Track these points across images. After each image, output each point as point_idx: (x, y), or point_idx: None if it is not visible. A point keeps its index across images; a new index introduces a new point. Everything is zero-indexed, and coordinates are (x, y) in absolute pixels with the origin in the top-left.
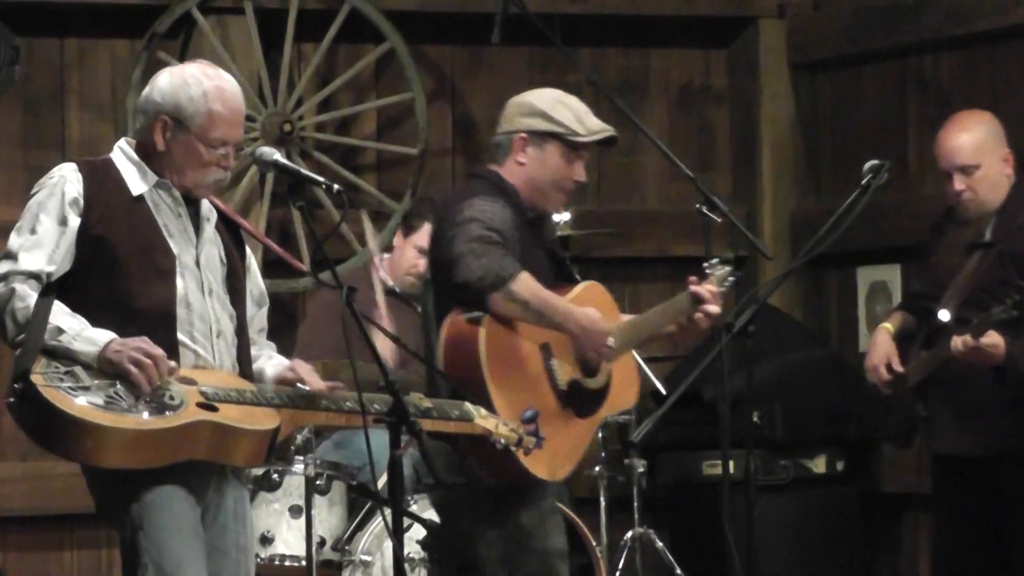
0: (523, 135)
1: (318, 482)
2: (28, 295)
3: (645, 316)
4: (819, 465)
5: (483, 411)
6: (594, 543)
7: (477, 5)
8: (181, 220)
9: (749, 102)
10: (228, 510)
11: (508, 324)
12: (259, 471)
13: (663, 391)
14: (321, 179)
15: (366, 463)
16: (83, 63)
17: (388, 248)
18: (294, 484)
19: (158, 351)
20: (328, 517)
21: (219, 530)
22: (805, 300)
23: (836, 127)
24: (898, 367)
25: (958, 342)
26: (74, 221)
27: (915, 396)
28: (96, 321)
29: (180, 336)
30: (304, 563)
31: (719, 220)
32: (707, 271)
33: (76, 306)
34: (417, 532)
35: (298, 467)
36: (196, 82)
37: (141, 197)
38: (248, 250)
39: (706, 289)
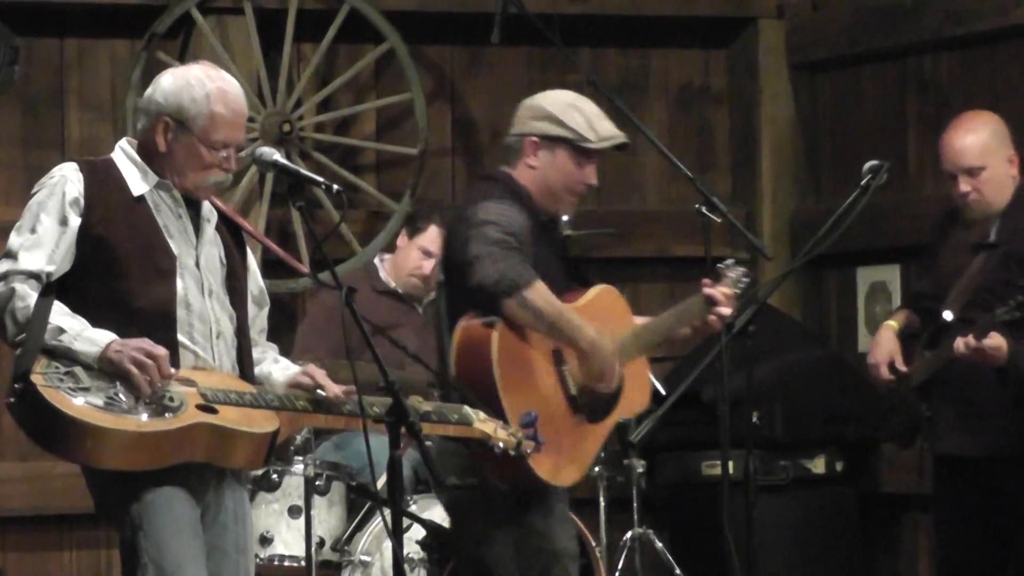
0: (534, 139)
1: (317, 482)
2: (28, 295)
3: (658, 320)
4: (818, 465)
5: (482, 415)
6: (593, 543)
7: (476, 5)
8: (182, 221)
9: (749, 102)
10: (228, 510)
11: (521, 329)
12: (258, 471)
13: (663, 391)
14: (320, 179)
15: (366, 465)
16: (83, 63)
17: (391, 248)
18: (293, 484)
19: (160, 351)
20: (327, 517)
21: (219, 530)
22: (805, 300)
23: (836, 127)
24: (901, 366)
25: (960, 343)
26: (74, 221)
27: (919, 396)
28: (96, 321)
29: (180, 337)
30: (303, 563)
31: (718, 220)
32: (721, 272)
33: (76, 306)
34: (416, 532)
35: (297, 467)
36: (199, 84)
37: (142, 197)
38: (249, 251)
39: (719, 291)
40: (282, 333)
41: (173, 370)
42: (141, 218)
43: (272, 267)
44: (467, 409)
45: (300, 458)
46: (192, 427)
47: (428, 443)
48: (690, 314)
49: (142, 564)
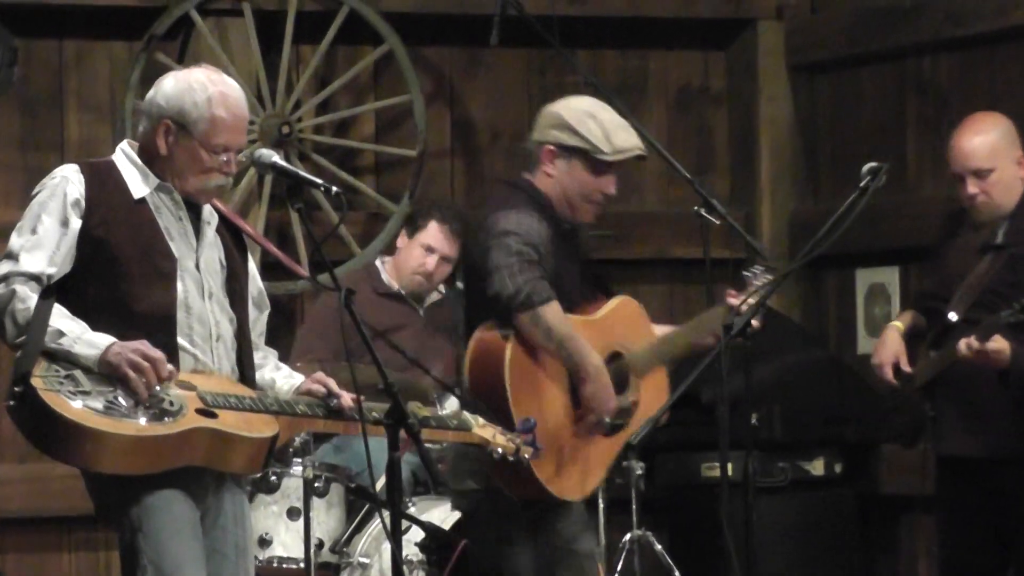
0: (550, 147)
1: (316, 484)
2: (28, 297)
3: (678, 331)
4: (817, 467)
5: (481, 420)
6: None
7: (475, 7)
8: (182, 223)
9: (748, 104)
10: (227, 513)
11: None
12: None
13: None
14: (319, 181)
15: (365, 468)
16: (82, 64)
17: (390, 250)
18: (292, 486)
19: (157, 353)
20: (326, 519)
21: (219, 533)
22: (804, 302)
23: (835, 129)
24: (906, 367)
25: (963, 345)
26: (75, 222)
27: (923, 396)
28: (95, 324)
29: (179, 340)
30: (302, 565)
31: (717, 222)
32: (748, 280)
33: (75, 308)
34: (415, 534)
35: (296, 469)
36: (201, 87)
37: (143, 200)
38: (249, 254)
39: (743, 302)
40: (281, 335)
41: (171, 367)
42: (142, 220)
43: (271, 269)
44: (467, 415)
45: (299, 460)
46: (191, 431)
47: (435, 446)
48: (714, 324)
49: (141, 566)
